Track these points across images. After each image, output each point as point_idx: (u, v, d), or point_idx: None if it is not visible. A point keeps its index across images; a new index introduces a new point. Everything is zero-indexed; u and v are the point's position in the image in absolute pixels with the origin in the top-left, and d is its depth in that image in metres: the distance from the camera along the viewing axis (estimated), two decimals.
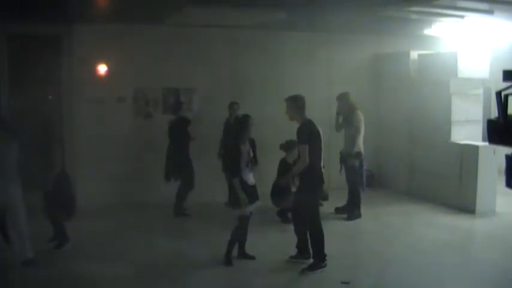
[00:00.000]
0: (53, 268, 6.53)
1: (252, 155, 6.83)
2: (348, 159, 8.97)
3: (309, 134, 6.50)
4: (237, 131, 6.83)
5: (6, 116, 8.58)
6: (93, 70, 9.54)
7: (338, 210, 9.18)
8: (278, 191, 8.38)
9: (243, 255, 6.94)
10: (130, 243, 7.59)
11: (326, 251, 6.56)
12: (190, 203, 9.17)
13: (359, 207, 9.00)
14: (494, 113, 5.93)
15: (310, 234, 6.65)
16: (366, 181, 9.24)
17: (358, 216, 8.95)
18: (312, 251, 6.70)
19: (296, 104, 6.60)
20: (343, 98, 9.09)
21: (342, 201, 9.21)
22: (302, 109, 6.60)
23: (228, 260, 6.74)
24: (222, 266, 6.68)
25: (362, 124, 8.93)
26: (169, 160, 9.00)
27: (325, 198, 9.36)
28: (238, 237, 6.82)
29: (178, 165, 8.98)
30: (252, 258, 6.91)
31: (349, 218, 8.90)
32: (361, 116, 8.94)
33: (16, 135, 6.49)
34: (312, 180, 6.54)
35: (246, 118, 6.83)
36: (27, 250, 6.51)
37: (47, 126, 7.54)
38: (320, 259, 6.58)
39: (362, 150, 8.97)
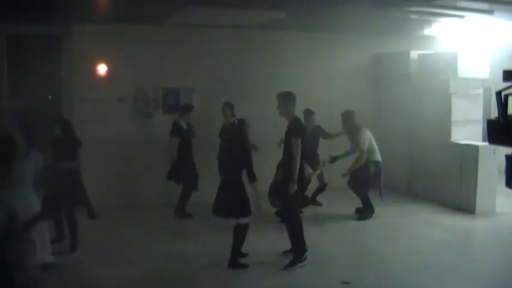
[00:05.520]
0: (57, 270, 6.50)
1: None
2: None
3: (301, 130, 6.67)
4: (240, 135, 6.72)
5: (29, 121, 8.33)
6: (93, 70, 9.53)
7: (358, 212, 9.18)
8: (275, 192, 8.35)
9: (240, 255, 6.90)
10: (130, 244, 7.58)
11: (326, 250, 6.55)
12: (190, 204, 9.16)
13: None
14: (494, 113, 5.95)
15: (287, 227, 6.74)
16: (381, 190, 9.09)
17: (370, 215, 8.96)
18: (291, 244, 6.72)
19: (288, 100, 6.71)
20: (345, 116, 9.04)
21: (345, 202, 9.35)
22: (293, 106, 6.73)
23: (239, 264, 6.62)
24: (222, 266, 6.64)
25: (366, 143, 8.80)
26: (178, 162, 8.83)
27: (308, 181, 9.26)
28: (242, 243, 6.69)
29: (186, 168, 8.91)
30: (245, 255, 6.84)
31: (360, 218, 8.94)
32: (364, 135, 8.86)
33: (35, 143, 6.02)
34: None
35: (241, 123, 6.80)
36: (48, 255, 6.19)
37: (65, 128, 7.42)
38: (300, 253, 6.60)
39: (379, 158, 8.96)
